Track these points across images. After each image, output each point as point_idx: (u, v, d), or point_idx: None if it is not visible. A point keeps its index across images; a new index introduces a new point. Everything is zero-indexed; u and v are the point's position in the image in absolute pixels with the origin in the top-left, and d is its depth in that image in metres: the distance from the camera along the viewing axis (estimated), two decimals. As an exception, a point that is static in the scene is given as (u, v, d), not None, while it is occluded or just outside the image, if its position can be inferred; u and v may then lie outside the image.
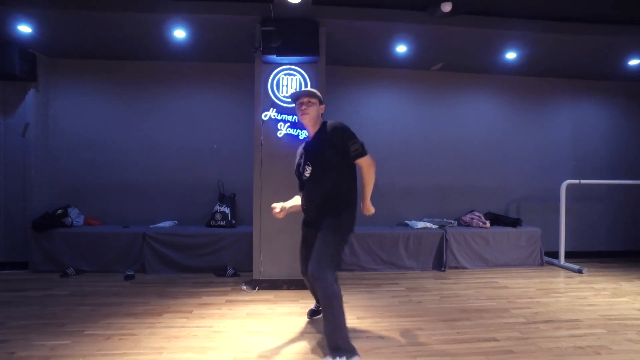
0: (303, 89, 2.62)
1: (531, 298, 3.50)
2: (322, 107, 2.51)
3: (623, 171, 5.41)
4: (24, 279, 4.00)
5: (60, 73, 4.66)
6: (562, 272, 4.51)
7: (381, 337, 2.60)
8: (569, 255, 5.11)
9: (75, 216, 4.53)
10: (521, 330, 2.75)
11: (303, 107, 2.41)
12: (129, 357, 2.27)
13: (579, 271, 4.46)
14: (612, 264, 4.90)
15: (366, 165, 2.40)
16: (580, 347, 2.46)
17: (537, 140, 5.34)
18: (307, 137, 2.57)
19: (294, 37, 3.44)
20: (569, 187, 4.99)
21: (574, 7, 3.89)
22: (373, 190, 2.47)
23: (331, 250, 2.22)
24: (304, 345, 2.47)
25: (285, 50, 3.44)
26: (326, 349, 2.16)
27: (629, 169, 5.43)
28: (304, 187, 2.49)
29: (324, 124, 2.45)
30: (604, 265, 4.87)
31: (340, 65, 4.85)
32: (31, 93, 4.40)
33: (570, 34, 4.01)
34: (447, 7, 3.35)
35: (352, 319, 2.93)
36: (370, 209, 2.51)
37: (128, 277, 4.05)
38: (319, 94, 2.48)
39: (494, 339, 2.59)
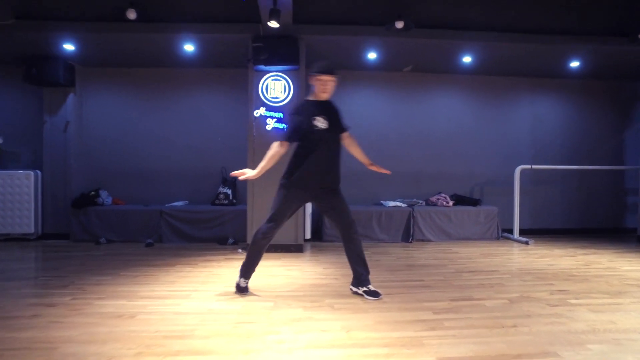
0: (325, 63, 2.91)
1: (470, 259, 4.32)
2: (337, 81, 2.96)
3: (577, 158, 6.11)
4: (67, 246, 5.00)
5: (92, 79, 5.64)
6: (514, 244, 5.29)
7: (335, 279, 3.49)
8: (528, 232, 5.85)
9: (105, 197, 5.51)
10: (446, 276, 3.59)
11: (326, 87, 2.86)
12: (150, 285, 3.22)
13: (526, 242, 5.24)
14: (561, 239, 5.64)
15: (350, 135, 3.10)
16: (482, 284, 3.30)
17: (499, 132, 6.10)
18: (308, 100, 2.97)
19: (278, 51, 4.31)
20: (527, 172, 5.74)
21: (517, 21, 4.67)
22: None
23: None
24: (276, 282, 3.38)
25: (271, 61, 4.32)
26: (365, 274, 3.00)
27: (582, 156, 6.13)
28: (313, 146, 2.82)
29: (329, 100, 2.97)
30: (554, 239, 5.62)
31: (324, 69, 5.70)
32: (70, 96, 5.40)
33: (516, 42, 4.76)
34: (399, 25, 4.18)
35: (319, 269, 3.83)
36: (375, 166, 3.15)
37: (148, 245, 5.02)
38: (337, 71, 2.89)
39: (421, 280, 3.44)
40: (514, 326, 2.39)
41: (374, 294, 2.92)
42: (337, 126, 2.95)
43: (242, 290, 3.03)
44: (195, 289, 3.13)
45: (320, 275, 3.59)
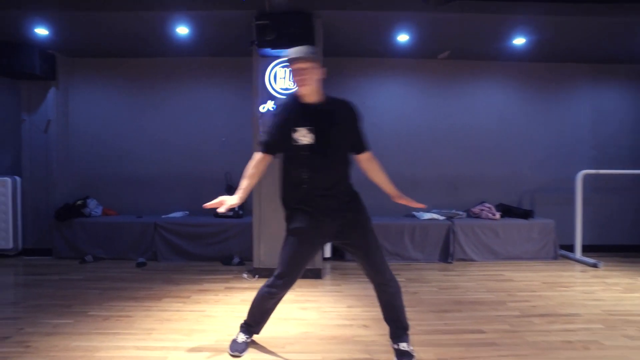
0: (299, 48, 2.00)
1: (533, 291, 3.39)
2: (324, 71, 2.06)
3: (650, 161, 5.08)
4: (47, 265, 4.30)
5: (78, 71, 4.92)
6: (577, 266, 4.32)
7: (365, 326, 2.63)
8: (589, 249, 4.85)
9: (94, 207, 4.79)
10: (512, 323, 2.69)
11: (301, 77, 1.97)
12: (120, 337, 2.42)
13: (594, 265, 4.26)
14: (634, 259, 4.63)
15: (372, 156, 2.17)
16: (569, 342, 2.38)
17: (552, 128, 5.10)
18: (293, 96, 2.10)
19: (287, 30, 3.46)
20: (587, 177, 4.74)
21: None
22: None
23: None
24: (286, 331, 2.54)
25: (279, 43, 3.47)
26: (400, 331, 2.15)
27: (656, 158, 5.09)
28: (294, 168, 2.05)
29: (330, 97, 2.09)
30: (625, 260, 4.61)
31: (345, 56, 4.84)
32: (52, 91, 4.68)
33: (581, 15, 3.80)
34: (442, -7, 3.27)
35: (342, 307, 2.98)
36: (404, 198, 2.23)
37: (140, 265, 4.26)
38: (315, 55, 2.00)
39: (481, 331, 2.55)
40: None
41: (403, 356, 2.09)
42: (334, 143, 2.01)
43: (237, 349, 2.21)
44: (176, 344, 2.32)
45: (344, 320, 2.73)
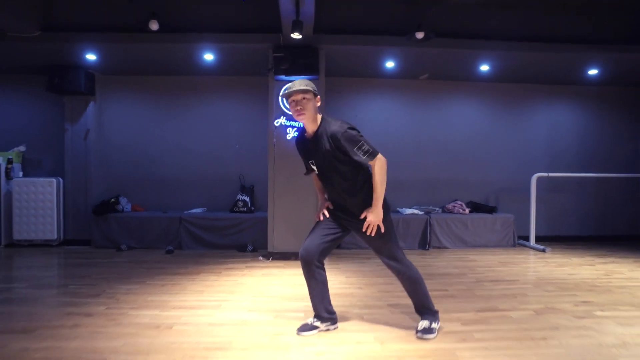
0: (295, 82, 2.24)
1: (489, 267, 4.35)
2: (318, 99, 2.29)
3: (593, 166, 6.11)
4: (89, 252, 5.09)
5: (112, 87, 5.74)
6: (530, 252, 5.31)
7: (360, 288, 3.53)
8: (544, 239, 5.84)
9: (125, 203, 5.60)
10: (468, 285, 3.63)
11: (298, 107, 2.19)
12: (180, 295, 3.28)
13: (543, 250, 5.26)
14: (578, 247, 5.64)
15: (377, 167, 2.27)
16: (505, 294, 3.33)
17: (515, 139, 6.13)
18: (302, 130, 2.43)
19: (298, 61, 4.38)
20: (541, 179, 5.76)
21: (535, 30, 4.71)
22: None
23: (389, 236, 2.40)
24: (301, 292, 3.41)
25: (291, 71, 4.39)
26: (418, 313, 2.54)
27: (598, 163, 6.13)
28: (320, 179, 2.48)
29: (323, 121, 2.29)
30: (571, 247, 5.62)
31: (341, 76, 5.77)
32: (91, 105, 5.50)
33: (534, 51, 4.80)
34: (419, 35, 4.23)
35: (342, 277, 3.88)
36: (373, 218, 2.30)
37: (169, 252, 5.09)
38: (312, 86, 2.24)
39: (444, 289, 3.48)
40: (544, 339, 2.43)
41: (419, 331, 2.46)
42: (325, 169, 2.35)
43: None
44: (225, 299, 3.19)
45: (344, 285, 3.63)
